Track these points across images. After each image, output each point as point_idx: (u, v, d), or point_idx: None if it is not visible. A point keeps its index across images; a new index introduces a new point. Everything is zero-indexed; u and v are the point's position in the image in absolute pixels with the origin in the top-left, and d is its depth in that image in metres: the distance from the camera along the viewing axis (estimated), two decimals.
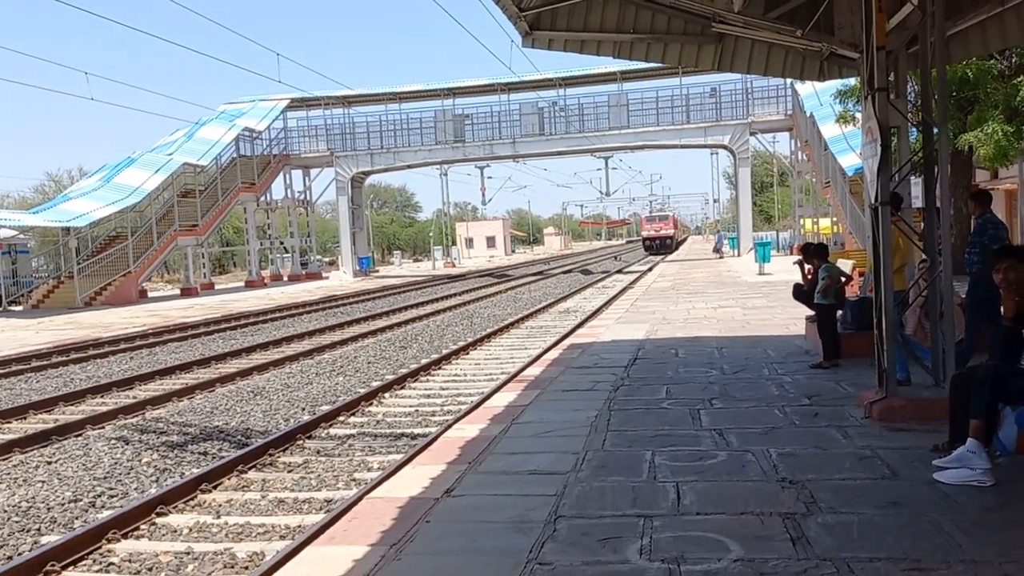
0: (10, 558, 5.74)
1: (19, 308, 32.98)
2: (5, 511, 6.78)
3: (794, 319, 12.96)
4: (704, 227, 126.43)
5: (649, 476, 5.32)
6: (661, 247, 64.26)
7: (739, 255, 42.04)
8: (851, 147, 24.47)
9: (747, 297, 19.06)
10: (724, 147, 44.43)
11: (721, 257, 44.79)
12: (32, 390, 13.18)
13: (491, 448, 6.31)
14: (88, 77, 31.61)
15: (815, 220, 42.38)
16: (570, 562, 3.96)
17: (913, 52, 8.54)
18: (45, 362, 16.12)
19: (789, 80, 33.37)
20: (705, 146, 45.64)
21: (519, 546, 4.19)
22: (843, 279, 9.56)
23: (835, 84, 22.05)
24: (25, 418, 10.78)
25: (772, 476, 5.19)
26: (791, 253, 35.94)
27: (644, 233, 70.10)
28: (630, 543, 4.15)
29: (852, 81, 18.84)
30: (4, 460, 8.47)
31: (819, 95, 31.64)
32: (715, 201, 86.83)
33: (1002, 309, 5.38)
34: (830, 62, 10.16)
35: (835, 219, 33.75)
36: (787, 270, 11.32)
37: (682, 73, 40.17)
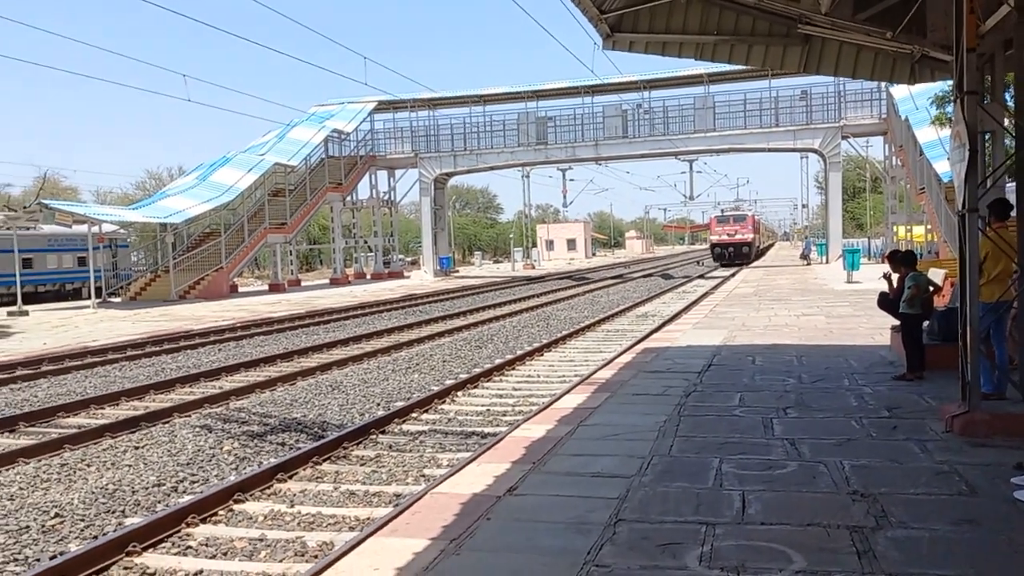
0: (95, 537, 6.03)
1: (118, 300, 34.57)
2: (93, 492, 7.13)
3: (880, 329, 12.55)
4: (792, 233, 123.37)
5: (715, 483, 5.25)
6: (736, 256, 50.60)
7: (827, 262, 40.87)
8: (947, 152, 23.54)
9: (832, 305, 18.53)
10: (814, 151, 43.29)
11: (808, 264, 43.64)
12: (125, 378, 13.81)
13: (556, 449, 6.32)
14: (186, 80, 32.90)
15: (908, 227, 40.89)
16: (628, 566, 3.94)
17: (1011, 55, 8.17)
18: (139, 352, 16.87)
19: (884, 82, 32.28)
20: (794, 150, 44.61)
21: (577, 547, 4.19)
22: (931, 288, 9.21)
23: (932, 87, 21.28)
24: (117, 404, 11.31)
25: (843, 488, 5.05)
26: (882, 261, 34.75)
27: (713, 238, 54.71)
28: (690, 550, 4.10)
29: (950, 83, 18.17)
30: (95, 444, 8.90)
31: (915, 98, 30.53)
32: (803, 206, 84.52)
33: None
34: (922, 65, 9.83)
35: (929, 227, 32.50)
36: (877, 278, 10.94)
37: (771, 75, 39.33)
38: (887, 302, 9.68)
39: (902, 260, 9.50)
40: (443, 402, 10.67)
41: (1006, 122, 8.39)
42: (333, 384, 12.24)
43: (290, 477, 7.39)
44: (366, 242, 52.22)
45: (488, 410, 10.18)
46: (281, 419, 9.96)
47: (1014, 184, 7.18)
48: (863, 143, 46.42)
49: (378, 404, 10.78)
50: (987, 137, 9.39)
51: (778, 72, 33.75)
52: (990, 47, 8.29)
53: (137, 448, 8.68)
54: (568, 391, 9.44)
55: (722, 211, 58.16)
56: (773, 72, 36.67)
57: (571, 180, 65.56)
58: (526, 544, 4.32)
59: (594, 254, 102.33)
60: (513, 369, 13.22)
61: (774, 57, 10.52)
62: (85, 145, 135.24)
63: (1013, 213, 7.07)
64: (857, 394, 8.09)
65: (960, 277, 6.61)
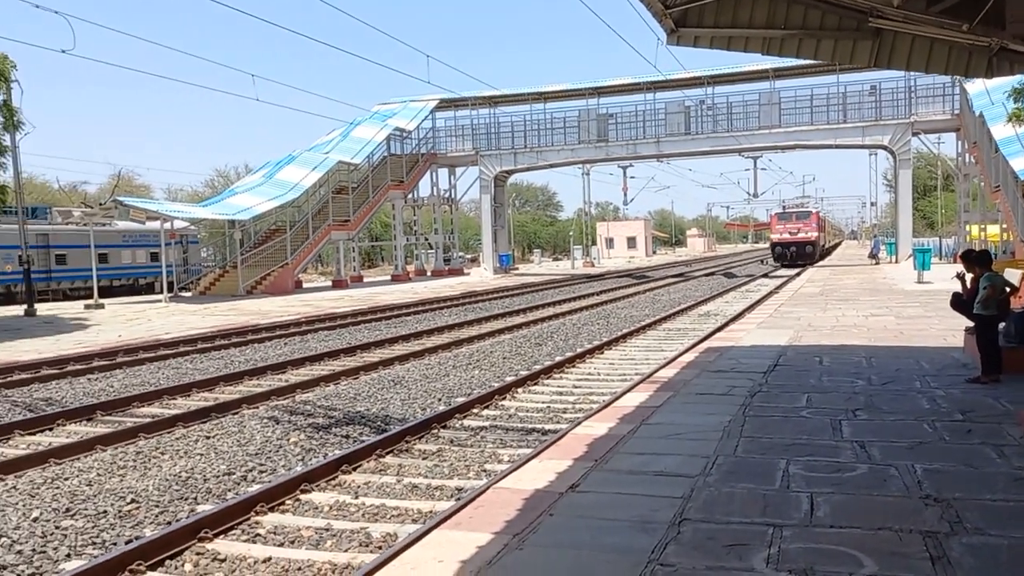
0: (169, 523, 6.23)
1: (188, 294, 35.56)
2: (167, 480, 7.36)
3: (953, 330, 12.19)
4: (860, 231, 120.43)
5: (782, 485, 5.17)
6: (798, 256, 46.81)
7: (896, 262, 39.80)
8: None
9: (903, 306, 18.05)
10: (883, 147, 42.17)
11: (877, 263, 42.56)
12: (196, 370, 14.20)
13: (619, 447, 6.30)
14: (255, 79, 33.67)
15: (982, 226, 39.56)
16: (693, 565, 3.92)
17: None
18: (208, 345, 17.33)
19: (956, 77, 31.27)
20: (863, 146, 43.50)
21: (641, 546, 4.18)
22: (1007, 289, 8.90)
23: (1008, 81, 20.53)
24: (189, 395, 11.64)
25: (915, 492, 4.93)
26: (954, 261, 33.71)
27: (774, 236, 50.25)
28: (757, 551, 4.05)
29: None
30: (168, 433, 9.19)
31: (990, 93, 29.54)
32: (872, 205, 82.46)
33: None
34: (1000, 58, 9.48)
35: (1005, 226, 31.41)
36: (948, 278, 10.57)
37: (839, 70, 38.42)
38: (960, 303, 9.39)
39: (976, 260, 9.21)
40: (503, 398, 10.72)
41: None
42: (395, 379, 12.39)
43: (354, 469, 7.52)
44: (427, 239, 52.72)
45: (548, 407, 10.19)
46: (345, 412, 10.13)
47: None
48: (934, 140, 45.11)
49: (439, 399, 10.87)
50: None
51: (846, 67, 32.99)
52: None
53: (208, 438, 8.92)
54: (630, 389, 9.39)
55: (784, 207, 53.64)
56: (841, 67, 35.83)
57: (632, 177, 64.79)
58: (589, 541, 4.32)
59: (654, 252, 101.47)
60: (573, 367, 13.20)
61: (843, 51, 10.25)
62: (157, 144, 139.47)
63: None
64: (929, 397, 7.87)
65: None
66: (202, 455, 8.21)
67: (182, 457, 8.15)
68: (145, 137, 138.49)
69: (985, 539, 4.13)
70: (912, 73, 32.97)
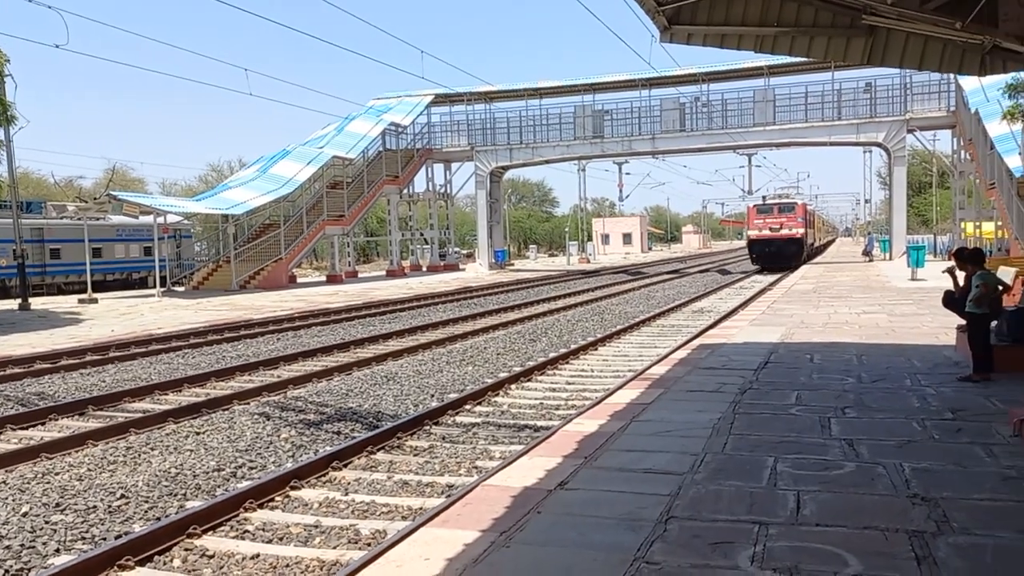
0: (158, 519, 6.22)
1: (181, 289, 35.50)
2: (157, 475, 7.35)
3: (945, 328, 12.21)
4: (854, 229, 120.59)
5: (769, 483, 5.18)
6: (780, 256, 39.92)
7: (891, 259, 39.89)
8: (1019, 146, 22.73)
9: (895, 303, 18.08)
10: (878, 145, 42.21)
11: (871, 260, 42.64)
12: (188, 365, 14.18)
13: (609, 444, 6.31)
14: (248, 74, 33.58)
15: (977, 224, 39.65)
16: (678, 563, 3.92)
17: None
18: (201, 340, 17.30)
19: (952, 74, 31.27)
20: (857, 144, 43.61)
21: (628, 543, 4.18)
22: (999, 288, 8.91)
23: (1004, 78, 20.56)
24: (180, 391, 11.62)
25: (903, 491, 4.93)
26: (948, 258, 33.81)
27: (751, 233, 42.73)
28: (742, 549, 4.06)
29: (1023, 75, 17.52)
30: (159, 428, 9.17)
31: (985, 90, 29.54)
32: (866, 202, 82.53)
33: None
34: (993, 56, 9.48)
35: (999, 223, 31.47)
36: (942, 276, 10.54)
37: (834, 67, 38.43)
38: (952, 301, 9.40)
39: (969, 258, 9.21)
40: (496, 395, 10.72)
41: None
42: (388, 375, 12.38)
43: (345, 465, 7.51)
44: (422, 234, 52.67)
45: (541, 404, 10.19)
46: (337, 408, 10.11)
47: None
48: (929, 137, 45.13)
49: (432, 395, 10.87)
50: None
51: (841, 64, 32.98)
52: None
53: (198, 434, 8.91)
54: (622, 386, 9.39)
55: (763, 198, 45.06)
56: (836, 64, 35.84)
57: (627, 174, 64.85)
58: (576, 539, 4.32)
59: (650, 248, 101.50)
60: (567, 363, 13.20)
61: (837, 49, 10.25)
62: (152, 138, 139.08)
63: None
64: (919, 395, 7.89)
65: None
66: (192, 451, 8.20)
67: (172, 453, 8.14)
68: (140, 132, 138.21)
69: (972, 539, 4.13)
70: (907, 70, 33.01)
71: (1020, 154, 24.36)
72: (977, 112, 31.03)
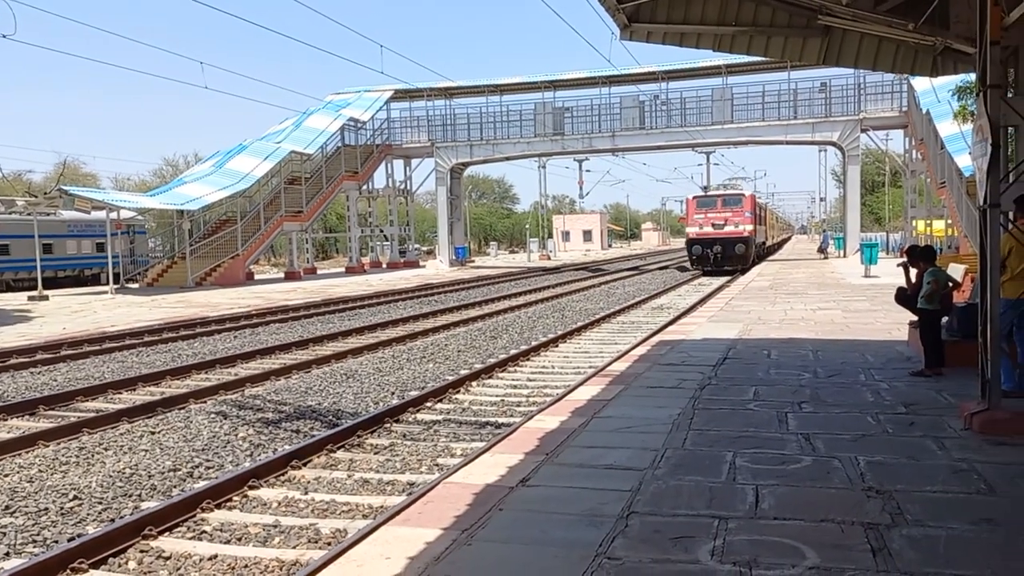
0: (112, 520, 6.09)
1: (135, 286, 34.84)
2: (110, 476, 7.20)
3: (898, 324, 12.46)
4: (810, 226, 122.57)
5: (728, 477, 5.23)
6: (724, 259, 35.05)
7: (845, 256, 40.62)
8: (969, 146, 23.28)
9: (849, 300, 18.41)
10: (833, 144, 42.94)
11: (826, 258, 43.36)
12: (142, 363, 13.91)
13: (570, 441, 6.32)
14: (203, 67, 33.04)
15: (928, 222, 40.53)
16: (639, 559, 3.94)
17: None
18: (156, 338, 16.99)
19: (905, 75, 31.91)
20: (813, 143, 44.29)
21: (589, 539, 4.19)
22: (950, 284, 9.12)
23: (954, 80, 21.02)
24: (134, 389, 11.40)
25: (858, 484, 5.02)
26: (901, 256, 34.50)
27: (690, 231, 36.78)
28: (702, 544, 4.09)
29: (973, 76, 17.92)
30: (113, 428, 8.99)
31: (936, 91, 30.23)
32: (821, 200, 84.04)
33: None
34: (944, 57, 9.70)
35: (949, 221, 32.20)
36: (894, 273, 10.78)
37: (790, 67, 38.99)
38: (905, 298, 9.59)
39: (921, 255, 9.40)
40: (458, 392, 10.69)
41: None
42: (348, 373, 12.28)
43: (304, 464, 7.43)
44: (382, 231, 52.35)
45: (502, 400, 10.19)
46: (296, 407, 10.01)
47: None
48: (883, 136, 46.05)
49: (393, 393, 10.81)
50: (1011, 132, 9.29)
51: (797, 64, 33.45)
52: (1015, 40, 8.16)
53: (153, 433, 8.75)
54: (582, 383, 9.42)
55: (704, 188, 40.42)
56: (792, 64, 36.35)
57: (588, 171, 65.36)
58: (538, 536, 4.32)
59: (610, 245, 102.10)
60: (528, 360, 13.21)
61: (793, 49, 10.41)
62: (104, 132, 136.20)
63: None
64: (874, 390, 8.04)
65: (980, 273, 6.55)
66: (147, 451, 8.05)
67: (126, 453, 7.98)
68: (92, 125, 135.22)
69: (925, 531, 4.22)
70: (861, 71, 33.60)
71: (969, 154, 24.94)
72: (928, 113, 31.71)
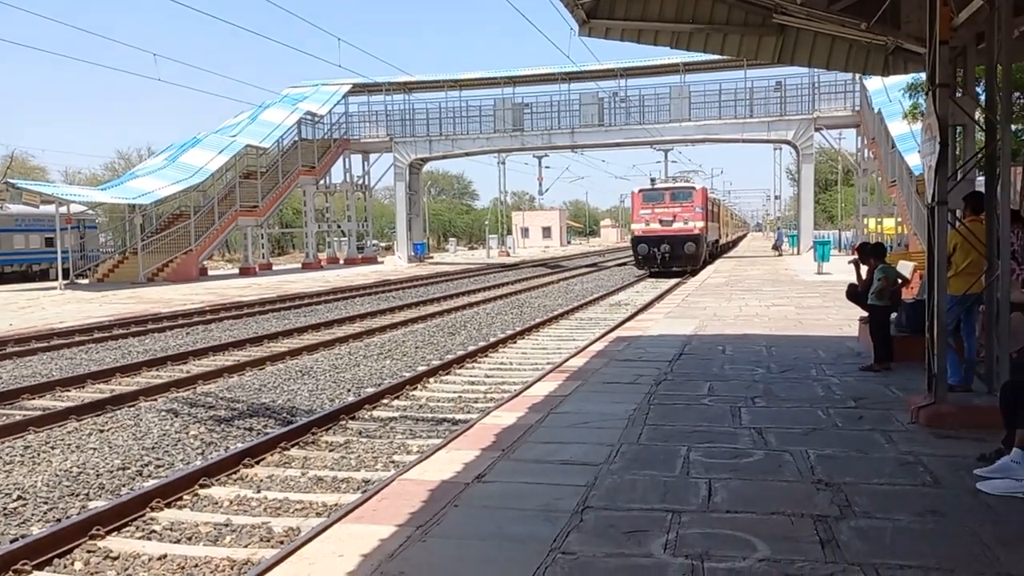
0: (59, 520, 5.95)
1: (86, 281, 34.07)
2: (57, 475, 7.03)
3: (849, 320, 12.66)
4: (765, 224, 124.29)
5: (682, 472, 5.27)
6: (673, 258, 32.03)
7: (799, 253, 41.26)
8: (919, 145, 23.75)
9: (802, 296, 18.70)
10: (787, 143, 43.59)
11: (780, 255, 44.00)
12: (92, 361, 13.61)
13: (526, 437, 6.32)
14: (156, 59, 32.37)
15: (879, 220, 41.34)
16: (593, 553, 3.95)
17: (982, 48, 8.24)
18: (106, 334, 16.64)
19: (857, 75, 32.47)
20: (768, 141, 44.88)
21: (544, 535, 4.19)
22: (899, 281, 9.30)
23: (905, 79, 21.40)
24: (83, 387, 11.14)
25: (808, 477, 5.09)
26: (853, 253, 35.08)
27: (635, 228, 34.09)
28: (655, 537, 4.11)
29: (924, 75, 18.29)
30: (60, 426, 8.77)
31: (888, 91, 30.74)
32: (776, 198, 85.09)
33: None
34: (895, 56, 9.89)
35: (900, 219, 32.86)
36: (846, 270, 10.96)
37: (746, 66, 39.47)
38: (855, 294, 9.77)
39: (871, 252, 9.59)
40: (415, 388, 10.63)
41: (977, 115, 8.46)
42: (303, 369, 12.15)
43: (257, 462, 7.33)
44: (339, 227, 51.91)
45: (460, 397, 10.16)
46: (249, 404, 9.87)
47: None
48: (836, 135, 46.80)
49: (348, 390, 10.72)
50: (959, 131, 9.50)
51: (753, 62, 33.85)
52: (963, 40, 8.36)
53: (102, 431, 8.57)
54: (540, 379, 9.43)
55: (652, 180, 36.59)
56: (748, 62, 36.80)
57: (547, 168, 65.61)
58: (493, 531, 4.31)
59: (569, 242, 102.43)
60: (486, 356, 13.20)
61: (749, 47, 10.54)
62: (54, 124, 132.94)
63: None
64: (824, 384, 8.17)
65: (928, 269, 6.68)
66: (96, 449, 7.88)
67: (74, 452, 7.80)
68: (41, 117, 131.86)
69: (872, 522, 4.29)
70: (815, 70, 34.13)
71: (919, 152, 25.46)
72: (880, 112, 32.32)
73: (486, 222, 76.07)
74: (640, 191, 34.37)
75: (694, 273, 30.06)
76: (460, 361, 12.45)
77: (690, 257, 32.05)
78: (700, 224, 32.54)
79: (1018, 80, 15.23)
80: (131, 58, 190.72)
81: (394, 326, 17.09)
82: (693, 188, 34.25)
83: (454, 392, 10.48)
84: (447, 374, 11.65)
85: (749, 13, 10.15)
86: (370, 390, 10.37)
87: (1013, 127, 15.79)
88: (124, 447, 7.94)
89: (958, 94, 8.27)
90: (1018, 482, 4.68)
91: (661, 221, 32.23)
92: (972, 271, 6.87)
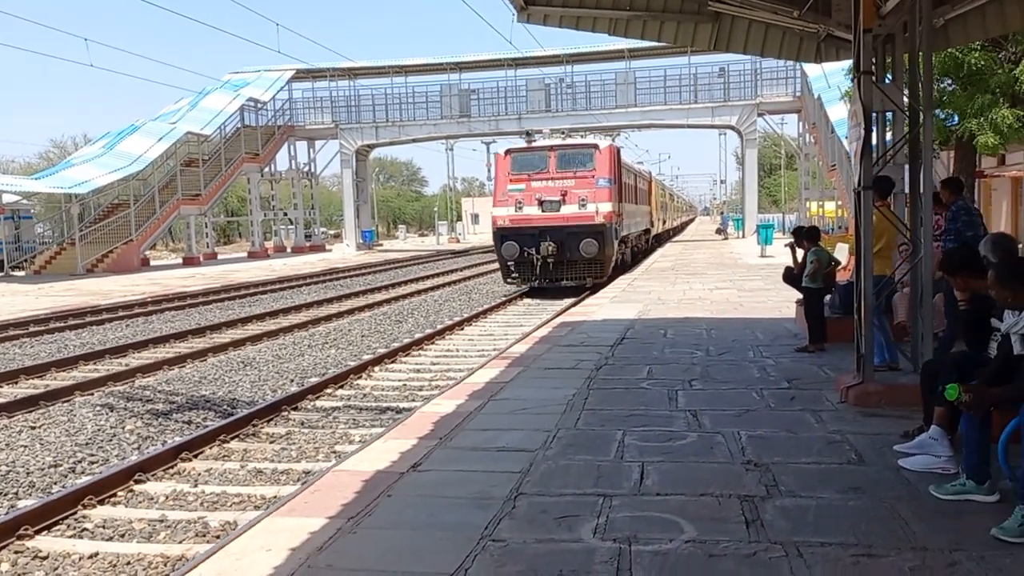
0: None
1: (21, 273, 33.10)
2: None
3: (788, 302, 12.90)
4: (712, 208, 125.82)
5: (616, 456, 5.34)
6: (561, 267, 19.84)
7: (743, 237, 41.91)
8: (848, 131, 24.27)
9: (745, 279, 19.01)
10: (731, 128, 44.15)
11: (725, 239, 44.66)
12: (26, 355, 13.26)
13: (464, 424, 6.34)
14: (88, 44, 31.47)
15: (821, 203, 42.19)
16: (523, 539, 3.99)
17: (907, 36, 8.42)
18: (42, 328, 16.20)
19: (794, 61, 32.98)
20: (712, 126, 45.40)
21: (476, 522, 4.22)
22: (832, 263, 9.52)
23: (845, 65, 21.80)
24: (16, 383, 10.84)
25: (738, 458, 5.20)
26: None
27: (498, 213, 20.28)
28: (586, 522, 4.17)
29: None
30: None
31: (828, 77, 31.34)
32: (722, 182, 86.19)
33: (956, 294, 5.43)
34: (827, 44, 10.04)
35: (840, 203, 33.59)
36: (787, 253, 11.13)
37: (690, 52, 39.82)
38: (791, 277, 9.98)
39: (806, 236, 9.81)
40: (359, 377, 10.58)
41: (906, 101, 8.67)
42: (245, 360, 12.00)
43: (195, 456, 7.23)
44: (286, 214, 51.20)
45: (405, 385, 10.14)
46: (189, 397, 9.73)
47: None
48: (778, 120, 47.60)
49: (292, 380, 10.62)
50: (889, 117, 9.71)
51: (696, 49, 34.15)
52: (891, 28, 8.53)
53: (34, 428, 8.36)
54: (482, 366, 9.45)
55: (528, 137, 22.20)
56: (691, 49, 37.11)
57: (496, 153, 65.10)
58: (425, 520, 4.32)
59: None
60: (433, 344, 13.18)
61: (685, 34, 10.60)
62: None
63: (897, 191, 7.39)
64: (760, 366, 8.34)
65: (856, 252, 6.85)
66: (26, 447, 7.69)
67: (3, 450, 7.61)
68: None
69: (796, 501, 4.41)
70: (757, 57, 34.49)
71: (847, 138, 26.02)
72: (819, 98, 32.92)
73: (436, 208, 75.72)
74: (508, 153, 21.45)
75: (594, 290, 19.03)
76: (406, 349, 12.41)
77: (591, 263, 19.97)
78: (607, 207, 20.11)
79: (945, 68, 15.61)
80: (62, 43, 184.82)
81: (340, 315, 16.96)
82: (595, 148, 20.88)
83: (399, 380, 10.46)
84: (393, 362, 11.61)
85: (685, 1, 10.21)
86: (314, 380, 10.28)
87: (940, 113, 16.20)
88: (57, 444, 7.77)
89: (888, 80, 8.44)
90: (936, 458, 4.84)
91: (542, 203, 20.11)
92: (885, 254, 7.12)
